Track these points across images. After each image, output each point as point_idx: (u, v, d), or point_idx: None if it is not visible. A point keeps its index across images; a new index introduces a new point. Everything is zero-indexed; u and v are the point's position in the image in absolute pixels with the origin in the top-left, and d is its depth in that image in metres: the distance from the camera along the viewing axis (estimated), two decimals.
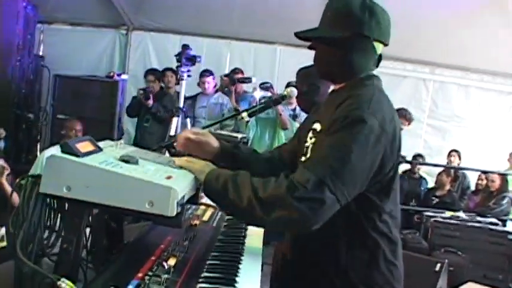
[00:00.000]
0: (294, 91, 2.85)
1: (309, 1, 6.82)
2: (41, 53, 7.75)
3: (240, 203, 1.59)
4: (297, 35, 1.85)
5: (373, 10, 1.79)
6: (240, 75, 6.73)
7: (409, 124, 6.60)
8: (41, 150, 6.77)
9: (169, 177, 1.51)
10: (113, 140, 1.95)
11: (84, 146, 1.56)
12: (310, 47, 1.91)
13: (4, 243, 4.39)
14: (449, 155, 7.51)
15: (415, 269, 4.21)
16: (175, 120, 5.21)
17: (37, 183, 1.49)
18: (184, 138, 2.01)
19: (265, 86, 6.21)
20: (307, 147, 1.84)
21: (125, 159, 1.57)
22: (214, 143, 2.03)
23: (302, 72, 3.38)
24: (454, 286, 4.91)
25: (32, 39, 7.05)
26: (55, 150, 4.35)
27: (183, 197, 1.51)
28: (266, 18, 7.41)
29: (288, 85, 6.72)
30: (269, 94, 6.00)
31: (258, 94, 5.60)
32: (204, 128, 3.03)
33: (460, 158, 7.49)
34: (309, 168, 1.58)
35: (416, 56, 7.46)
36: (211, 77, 6.80)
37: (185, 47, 5.44)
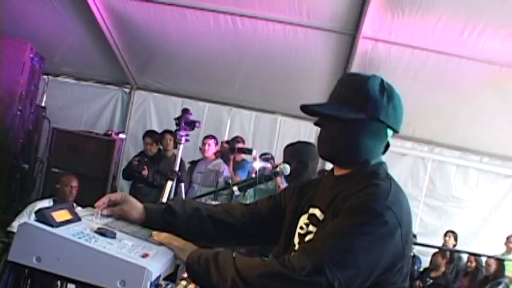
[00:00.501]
0: (287, 167, 2.83)
1: (313, 74, 6.96)
2: (43, 104, 7.76)
3: (223, 284, 1.52)
4: (305, 108, 1.71)
5: (391, 95, 1.70)
6: (240, 145, 6.72)
7: None
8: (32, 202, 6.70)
9: (145, 255, 1.45)
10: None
11: (61, 215, 1.50)
12: (316, 123, 1.75)
13: None
14: (445, 235, 7.42)
15: None
16: (169, 184, 5.16)
17: (7, 250, 1.42)
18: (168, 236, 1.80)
19: (265, 157, 6.19)
20: (303, 234, 1.74)
21: (102, 232, 1.51)
22: (136, 211, 1.87)
23: (289, 149, 3.38)
24: None
25: (35, 90, 7.10)
26: (48, 203, 4.30)
27: (159, 277, 1.44)
28: (269, 87, 7.51)
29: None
30: (269, 165, 5.98)
31: (258, 165, 5.57)
32: (197, 197, 2.99)
33: (456, 240, 7.39)
34: (308, 252, 1.48)
35: (415, 134, 7.48)
36: (213, 140, 6.81)
37: (185, 111, 5.45)
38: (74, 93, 8.21)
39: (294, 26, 6.26)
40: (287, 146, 3.37)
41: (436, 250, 7.23)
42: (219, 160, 6.83)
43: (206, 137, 6.77)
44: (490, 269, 6.76)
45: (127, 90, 8.36)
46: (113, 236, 1.52)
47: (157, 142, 6.88)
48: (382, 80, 1.71)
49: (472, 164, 7.85)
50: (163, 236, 1.71)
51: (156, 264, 1.44)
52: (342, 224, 1.52)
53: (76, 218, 1.58)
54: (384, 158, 1.77)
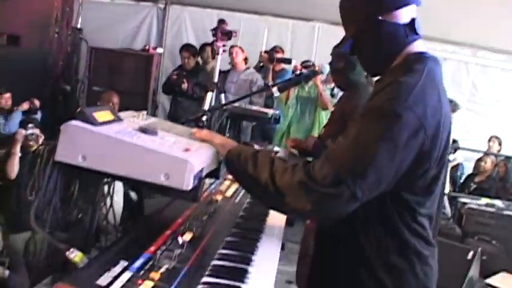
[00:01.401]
0: (325, 67, 2.78)
1: None
2: (79, 26, 7.77)
3: (257, 182, 1.54)
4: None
5: None
6: (279, 55, 6.63)
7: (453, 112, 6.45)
8: None
9: (187, 150, 1.46)
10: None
11: (103, 115, 1.52)
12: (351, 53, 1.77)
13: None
14: (489, 140, 7.30)
15: (446, 256, 4.10)
16: (209, 95, 5.17)
17: (53, 151, 1.46)
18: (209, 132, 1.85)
19: (307, 65, 6.11)
20: None
21: (144, 130, 1.53)
22: None
23: (338, 50, 3.29)
24: (487, 275, 4.80)
25: (70, 12, 7.10)
26: None
27: (201, 170, 1.46)
28: None
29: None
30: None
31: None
32: (232, 101, 2.98)
33: (500, 144, 7.27)
34: (330, 161, 1.47)
35: (457, 37, 7.22)
36: (238, 48, 6.71)
37: (221, 21, 5.37)
38: (109, 12, 8.09)
39: None
40: (335, 47, 3.29)
41: (480, 155, 7.15)
42: (252, 70, 6.78)
43: (231, 47, 6.63)
44: None
45: (161, 5, 8.22)
46: (154, 133, 1.54)
47: (194, 55, 6.84)
48: None
49: None
50: (203, 132, 1.74)
51: (198, 158, 1.46)
52: (362, 130, 1.48)
53: (118, 119, 1.60)
54: (421, 44, 1.66)
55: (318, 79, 5.85)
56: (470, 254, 4.59)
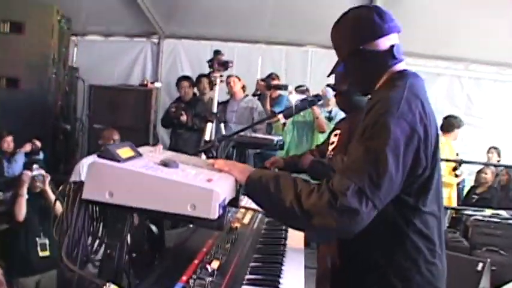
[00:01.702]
0: (329, 91, 2.84)
1: (338, 2, 6.81)
2: (74, 65, 7.86)
3: (282, 205, 1.59)
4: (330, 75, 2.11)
5: (354, 21, 1.87)
6: (276, 82, 6.72)
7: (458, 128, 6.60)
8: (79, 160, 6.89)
9: (209, 180, 1.51)
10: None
11: (125, 152, 1.57)
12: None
13: (47, 253, 4.50)
14: (488, 152, 7.38)
15: (456, 268, 4.12)
16: (209, 125, 5.25)
17: (80, 190, 1.50)
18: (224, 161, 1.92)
19: (301, 90, 6.19)
20: None
21: (165, 163, 1.58)
22: None
23: (341, 72, 3.35)
24: (498, 286, 4.81)
25: (66, 51, 7.19)
26: (92, 159, 4.44)
27: (224, 199, 1.51)
28: (296, 20, 7.42)
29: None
30: (305, 97, 5.97)
31: (294, 98, 5.59)
32: (238, 132, 3.03)
33: (499, 155, 7.35)
34: (348, 176, 1.56)
35: (449, 52, 7.34)
36: (234, 77, 6.81)
37: (217, 52, 5.48)
38: (103, 50, 8.25)
39: None
40: (333, 69, 3.36)
41: (480, 167, 7.20)
42: (251, 97, 6.87)
43: (228, 76, 6.71)
44: None
45: (155, 40, 8.38)
46: (176, 166, 1.59)
47: (193, 86, 6.94)
48: (346, 12, 1.90)
49: (509, 78, 7.74)
50: (220, 162, 1.80)
51: (222, 187, 1.51)
52: (367, 146, 1.61)
53: (138, 154, 1.65)
54: (403, 65, 1.86)
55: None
56: (480, 265, 4.61)
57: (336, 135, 3.37)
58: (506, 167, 7.18)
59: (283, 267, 1.81)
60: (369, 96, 1.93)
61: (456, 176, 6.79)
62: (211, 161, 1.83)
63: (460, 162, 6.72)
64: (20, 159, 5.79)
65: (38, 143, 5.94)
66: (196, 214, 1.42)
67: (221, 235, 1.95)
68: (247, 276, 1.68)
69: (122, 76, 8.19)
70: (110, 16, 7.79)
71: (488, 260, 4.71)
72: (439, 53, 7.21)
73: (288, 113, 2.71)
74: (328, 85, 6.76)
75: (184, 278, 1.51)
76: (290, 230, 2.22)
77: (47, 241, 4.75)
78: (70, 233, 1.49)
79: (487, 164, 7.16)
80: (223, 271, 1.63)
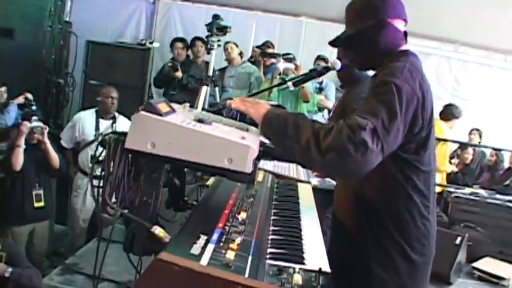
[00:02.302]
0: (337, 63, 2.94)
1: None
2: (68, 19, 7.77)
3: (297, 142, 1.68)
4: (330, 43, 2.17)
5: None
6: (270, 50, 6.79)
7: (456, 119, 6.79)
8: (69, 116, 6.91)
9: (243, 138, 1.63)
10: None
11: (163, 107, 1.67)
12: (344, 48, 2.24)
13: (42, 203, 4.60)
14: (470, 133, 7.60)
15: (437, 241, 4.31)
16: (204, 88, 5.31)
17: (120, 140, 1.61)
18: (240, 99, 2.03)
19: (287, 58, 6.26)
20: None
21: (201, 120, 1.69)
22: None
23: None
24: (472, 260, 5.03)
25: (62, 5, 7.13)
26: (91, 113, 4.53)
27: (256, 156, 1.63)
28: None
29: (318, 58, 6.82)
30: (292, 65, 6.08)
31: (282, 65, 5.67)
32: (252, 95, 3.12)
33: (480, 137, 7.58)
34: (364, 116, 1.67)
35: (440, 33, 7.46)
36: (232, 43, 6.92)
37: (216, 17, 5.51)
38: (98, 6, 8.11)
39: None
40: (332, 41, 3.46)
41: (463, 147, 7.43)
42: (248, 63, 6.96)
43: (226, 43, 6.79)
44: None
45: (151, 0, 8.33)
46: (210, 123, 1.71)
47: (187, 48, 6.97)
48: None
49: (496, 62, 7.95)
50: (237, 101, 1.92)
51: (255, 144, 1.63)
52: (379, 98, 1.76)
53: (173, 110, 1.76)
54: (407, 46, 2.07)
55: (300, 69, 6.06)
56: (458, 239, 4.81)
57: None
58: (494, 149, 7.40)
59: (301, 221, 1.98)
60: (369, 73, 2.13)
61: (451, 163, 7.03)
62: (229, 101, 1.95)
63: (452, 141, 6.93)
64: (12, 110, 5.79)
65: (30, 96, 5.94)
66: (233, 167, 1.54)
67: (241, 190, 2.09)
68: (272, 228, 1.83)
69: (115, 33, 8.15)
70: None
71: (467, 234, 4.93)
72: (429, 33, 7.31)
73: (298, 81, 2.81)
74: (319, 57, 6.86)
75: (220, 224, 1.65)
76: (300, 189, 2.39)
77: (41, 192, 4.85)
78: (111, 179, 1.59)
79: (465, 144, 7.37)
80: (252, 221, 1.77)
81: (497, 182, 7.08)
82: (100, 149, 1.68)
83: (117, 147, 1.61)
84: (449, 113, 6.80)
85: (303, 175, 2.92)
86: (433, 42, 7.64)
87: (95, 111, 5.50)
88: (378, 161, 1.65)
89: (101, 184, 1.62)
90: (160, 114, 1.59)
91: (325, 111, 6.61)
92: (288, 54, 6.54)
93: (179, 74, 6.51)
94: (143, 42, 7.22)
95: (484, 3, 6.69)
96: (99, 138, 1.67)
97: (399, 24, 2.05)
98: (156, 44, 7.33)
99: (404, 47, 2.05)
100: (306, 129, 1.68)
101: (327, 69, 2.92)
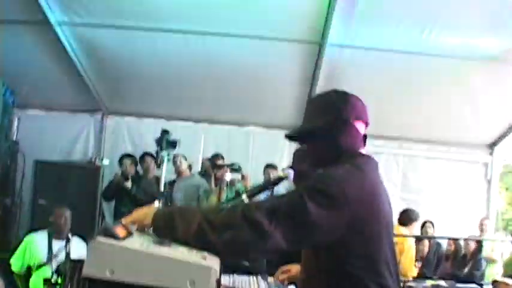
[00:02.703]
0: (290, 172, 2.97)
1: (282, 84, 7.18)
2: (15, 138, 7.68)
3: (189, 230, 1.68)
4: (287, 136, 2.14)
5: (346, 97, 2.04)
6: (220, 162, 6.85)
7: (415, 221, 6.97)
8: (17, 236, 6.67)
9: (204, 258, 1.61)
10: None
11: (120, 231, 1.64)
12: (301, 143, 2.23)
13: None
14: (423, 226, 7.69)
15: None
16: (156, 203, 5.29)
17: (77, 268, 1.56)
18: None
19: (233, 168, 6.25)
20: None
21: (160, 243, 1.66)
22: None
23: (300, 153, 3.48)
24: None
25: (9, 124, 7.09)
26: (43, 235, 4.38)
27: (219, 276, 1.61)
28: (240, 101, 7.65)
29: (267, 167, 6.90)
30: (238, 175, 6.12)
31: (228, 176, 5.69)
32: None
33: (433, 228, 7.69)
34: (264, 201, 1.74)
35: (384, 132, 7.72)
36: (181, 156, 6.98)
37: (165, 132, 5.60)
38: (45, 125, 8.07)
39: (261, 39, 6.46)
40: (297, 150, 3.51)
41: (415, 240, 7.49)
42: (196, 175, 7.00)
43: (174, 156, 6.76)
44: (469, 248, 7.10)
45: (99, 116, 8.35)
46: (168, 245, 1.68)
47: (135, 164, 6.96)
48: (336, 91, 2.07)
49: (440, 154, 8.25)
50: (129, 219, 1.84)
51: (216, 264, 1.61)
52: (293, 192, 1.79)
53: (130, 233, 1.73)
54: (364, 150, 2.06)
55: (247, 179, 6.11)
56: None
57: None
58: (438, 237, 7.52)
59: None
60: None
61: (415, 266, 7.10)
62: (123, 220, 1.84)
63: (407, 236, 7.00)
64: None
65: None
66: None
67: None
68: None
69: (64, 151, 8.07)
70: (53, 90, 7.72)
71: None
72: (374, 132, 7.57)
73: (252, 193, 2.82)
74: (268, 166, 6.93)
75: None
76: None
77: None
78: None
79: (419, 237, 7.45)
80: None
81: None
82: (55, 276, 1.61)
83: (73, 275, 1.56)
84: (407, 218, 6.93)
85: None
86: (379, 141, 7.84)
87: (47, 232, 5.36)
88: (275, 244, 1.64)
89: None
90: (118, 239, 1.56)
91: None
92: (233, 164, 6.54)
93: (129, 184, 6.44)
94: (93, 160, 7.19)
95: (425, 100, 7.08)
96: (54, 263, 1.61)
97: (360, 127, 2.03)
98: (105, 162, 7.31)
99: (361, 150, 2.04)
100: (194, 214, 1.71)
101: (279, 180, 2.94)
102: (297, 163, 3.32)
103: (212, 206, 1.64)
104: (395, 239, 1.97)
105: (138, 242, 1.62)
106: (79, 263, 1.56)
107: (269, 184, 2.91)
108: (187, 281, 1.51)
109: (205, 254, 1.66)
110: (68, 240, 5.29)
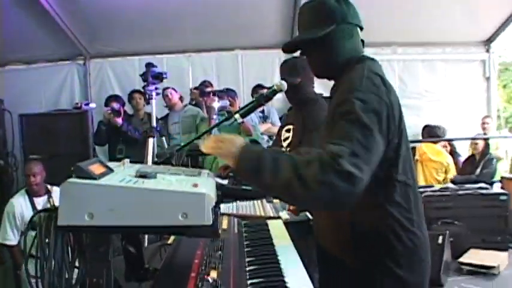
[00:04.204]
0: (284, 84, 2.76)
1: (263, 3, 6.82)
2: None
3: (277, 179, 1.53)
4: (285, 47, 2.01)
5: (346, 1, 1.94)
6: (209, 88, 6.58)
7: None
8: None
9: (195, 185, 1.40)
10: None
11: (97, 168, 1.44)
12: (301, 54, 2.03)
13: None
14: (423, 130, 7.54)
15: None
16: (151, 140, 5.10)
17: (52, 218, 1.36)
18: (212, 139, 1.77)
19: (220, 95, 6.00)
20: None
21: (143, 175, 1.45)
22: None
23: (291, 64, 3.24)
24: (457, 256, 4.93)
25: None
26: (22, 196, 4.15)
27: (214, 203, 1.41)
28: (222, 25, 7.32)
29: (256, 87, 6.69)
30: (226, 102, 5.92)
31: (216, 105, 5.51)
32: (192, 140, 2.90)
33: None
34: (340, 143, 1.55)
35: (376, 38, 7.45)
36: (171, 89, 6.76)
37: (149, 65, 5.33)
38: (28, 78, 7.82)
39: None
40: (285, 62, 3.27)
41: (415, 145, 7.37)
42: (190, 106, 6.79)
43: (164, 89, 6.62)
44: (478, 147, 6.99)
45: (81, 61, 8.05)
46: (154, 176, 1.47)
47: (123, 105, 6.71)
48: None
49: (436, 56, 8.02)
50: (207, 144, 1.68)
51: (210, 190, 1.41)
52: (346, 119, 1.63)
53: (110, 170, 1.52)
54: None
55: (235, 106, 5.90)
56: (440, 238, 4.71)
57: (288, 130, 3.28)
58: (444, 140, 7.40)
59: (282, 267, 1.73)
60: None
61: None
62: (200, 145, 1.70)
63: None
64: None
65: None
66: (190, 222, 1.31)
67: (207, 244, 1.84)
68: (250, 281, 1.58)
69: (50, 102, 7.79)
70: (31, 42, 7.38)
71: (447, 231, 4.82)
72: (366, 39, 7.32)
73: (246, 111, 2.62)
74: (257, 86, 6.73)
75: None
76: (271, 227, 2.16)
77: None
78: (49, 267, 1.33)
79: (428, 141, 7.32)
80: (225, 279, 1.53)
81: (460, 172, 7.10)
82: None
83: (49, 226, 1.36)
84: (433, 136, 7.02)
85: (270, 211, 2.69)
86: (371, 48, 7.60)
87: (25, 191, 5.12)
88: (365, 183, 1.53)
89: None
90: (93, 178, 1.34)
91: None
92: (221, 91, 6.28)
93: (119, 120, 6.19)
94: (78, 105, 6.93)
95: (415, 2, 6.77)
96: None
97: (358, 32, 1.98)
98: (92, 105, 7.05)
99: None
100: (284, 164, 1.54)
101: (274, 93, 2.73)
102: (288, 76, 3.10)
103: (299, 157, 1.43)
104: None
105: (119, 178, 1.41)
106: (52, 211, 1.36)
107: (263, 99, 2.72)
108: (178, 214, 1.31)
109: (197, 180, 1.46)
110: (49, 194, 5.08)
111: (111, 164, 1.68)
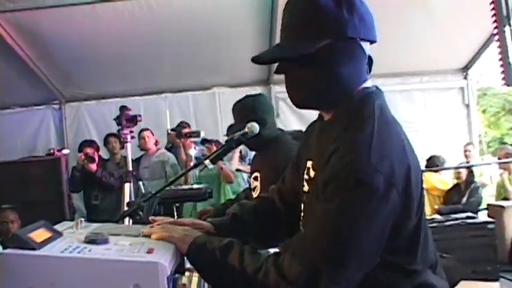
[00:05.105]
0: (255, 126, 2.62)
1: (241, 36, 6.77)
2: None
3: (228, 277, 1.35)
4: (258, 59, 1.38)
5: (350, 2, 1.34)
6: (187, 130, 6.44)
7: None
8: None
9: (150, 251, 1.26)
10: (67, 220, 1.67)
11: (39, 235, 1.28)
12: (277, 72, 1.42)
13: None
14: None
15: None
16: (127, 185, 4.95)
17: None
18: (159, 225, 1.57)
19: (192, 134, 5.78)
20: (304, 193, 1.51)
21: (92, 240, 1.30)
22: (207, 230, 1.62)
23: (240, 106, 3.09)
24: None
25: None
26: None
27: (172, 271, 1.26)
28: (199, 63, 7.22)
29: (231, 127, 6.56)
30: (204, 148, 5.80)
31: (193, 152, 5.39)
32: (164, 187, 2.72)
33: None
34: (298, 256, 1.27)
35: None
36: (149, 131, 6.66)
37: (123, 108, 5.21)
38: (3, 124, 7.67)
39: None
40: (236, 104, 3.11)
41: None
42: (162, 150, 6.71)
43: (141, 131, 6.53)
44: (462, 176, 6.92)
45: (56, 106, 7.94)
46: (105, 241, 1.32)
47: (97, 150, 6.56)
48: None
49: (414, 86, 8.05)
50: (157, 229, 1.49)
51: (166, 257, 1.26)
52: (328, 211, 1.24)
53: (57, 235, 1.37)
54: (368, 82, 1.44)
55: (211, 149, 5.75)
56: None
57: (256, 178, 3.03)
58: (428, 170, 7.31)
59: None
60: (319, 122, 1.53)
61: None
62: (145, 230, 1.49)
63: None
64: None
65: None
66: None
67: None
68: None
69: (25, 149, 7.65)
70: (4, 87, 7.18)
71: None
72: None
73: (215, 156, 2.48)
74: (231, 126, 6.62)
75: None
76: None
77: None
78: None
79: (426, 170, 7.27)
80: None
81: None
82: None
83: None
84: (434, 166, 7.03)
85: None
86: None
87: (0, 241, 4.94)
88: None
89: None
90: (32, 248, 1.19)
91: None
92: (193, 132, 6.00)
93: (93, 166, 6.04)
94: (51, 151, 6.78)
95: (389, 31, 6.73)
96: None
97: (366, 48, 1.39)
98: (65, 151, 6.90)
99: (367, 82, 1.42)
100: (234, 262, 1.34)
101: (244, 136, 2.59)
102: (242, 119, 2.92)
103: (251, 258, 1.22)
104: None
105: (63, 245, 1.26)
106: None
107: (234, 143, 2.58)
108: (130, 286, 1.16)
109: (151, 245, 1.31)
110: None
111: (63, 226, 1.53)
